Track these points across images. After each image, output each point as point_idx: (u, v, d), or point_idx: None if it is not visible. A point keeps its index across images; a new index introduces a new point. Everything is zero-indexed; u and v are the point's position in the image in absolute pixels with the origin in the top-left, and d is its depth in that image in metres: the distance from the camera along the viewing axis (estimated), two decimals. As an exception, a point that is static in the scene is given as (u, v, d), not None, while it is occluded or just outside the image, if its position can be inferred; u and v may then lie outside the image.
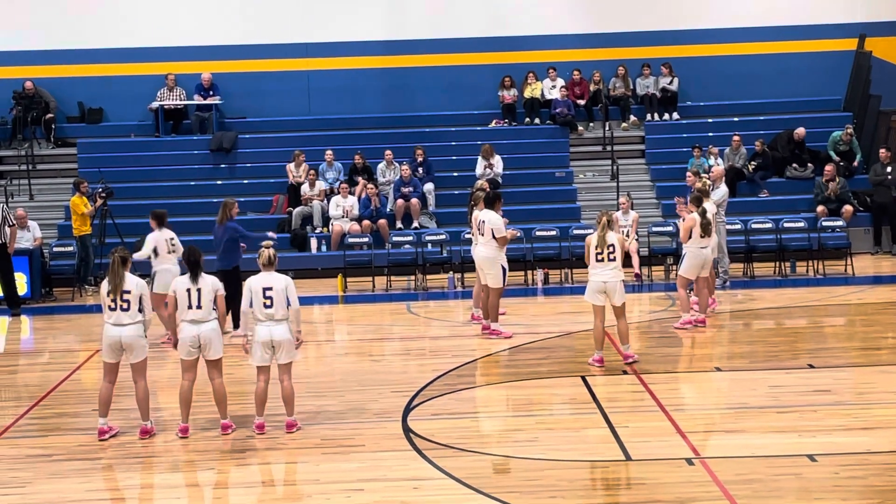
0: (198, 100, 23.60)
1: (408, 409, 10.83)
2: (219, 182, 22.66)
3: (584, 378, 11.89)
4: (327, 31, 24.09)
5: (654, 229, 19.88)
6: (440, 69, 24.22)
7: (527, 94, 23.75)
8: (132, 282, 10.10)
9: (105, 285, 10.12)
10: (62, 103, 23.84)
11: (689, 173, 17.79)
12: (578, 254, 18.52)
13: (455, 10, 24.29)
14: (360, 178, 21.59)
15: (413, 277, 19.29)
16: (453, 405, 11.12)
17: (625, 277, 12.68)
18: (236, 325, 14.23)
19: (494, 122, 23.85)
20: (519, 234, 17.81)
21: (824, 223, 20.03)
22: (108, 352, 10.14)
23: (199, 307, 10.11)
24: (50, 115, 23.32)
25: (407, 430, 10.11)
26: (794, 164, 22.24)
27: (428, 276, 19.19)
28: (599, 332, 12.41)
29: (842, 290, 17.56)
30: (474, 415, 11.12)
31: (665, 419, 10.21)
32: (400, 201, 21.12)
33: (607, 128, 23.34)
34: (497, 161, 21.83)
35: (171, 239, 14.74)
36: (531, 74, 23.76)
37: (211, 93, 23.63)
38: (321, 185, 21.56)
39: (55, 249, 19.90)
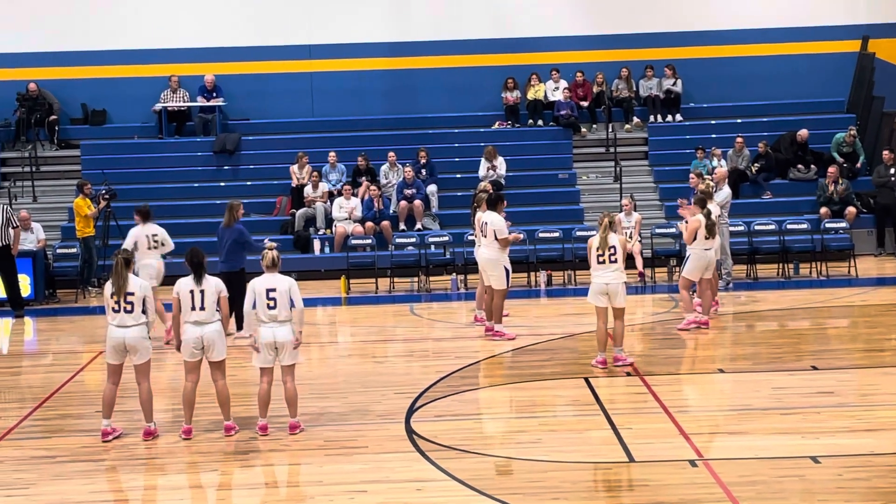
0: (201, 101, 23.63)
1: (411, 411, 10.83)
2: (222, 184, 22.68)
3: (587, 380, 11.88)
4: (330, 32, 24.12)
5: (658, 231, 19.87)
6: (443, 71, 24.24)
7: (530, 95, 23.76)
8: (136, 283, 10.11)
9: (108, 287, 10.12)
10: (66, 105, 23.87)
11: (692, 175, 17.78)
12: (582, 255, 18.57)
13: (458, 12, 24.31)
14: (363, 180, 21.61)
15: (416, 279, 19.29)
16: (456, 407, 11.12)
17: (627, 279, 12.68)
18: (240, 327, 14.27)
19: (497, 123, 23.86)
20: (522, 237, 17.82)
21: (827, 225, 20.02)
22: (111, 353, 10.15)
23: (202, 309, 10.11)
24: (53, 117, 23.34)
25: (410, 432, 10.11)
26: (800, 166, 22.23)
27: (431, 278, 19.19)
28: (602, 334, 12.41)
29: (845, 291, 17.54)
30: (477, 416, 11.12)
31: (668, 421, 10.21)
32: (403, 203, 21.12)
33: (610, 129, 23.35)
34: (500, 163, 21.83)
35: (154, 235, 14.80)
36: (534, 76, 23.78)
37: (214, 94, 23.65)
38: (324, 186, 21.58)
39: (58, 251, 19.92)
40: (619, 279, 12.35)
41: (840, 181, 20.93)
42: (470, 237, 17.90)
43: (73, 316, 17.66)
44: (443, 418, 10.66)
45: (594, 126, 23.78)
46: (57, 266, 19.59)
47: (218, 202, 20.00)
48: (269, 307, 10.12)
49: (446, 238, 20.06)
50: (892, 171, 21.15)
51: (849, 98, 24.07)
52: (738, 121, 23.58)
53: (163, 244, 14.98)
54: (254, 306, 10.17)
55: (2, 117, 23.65)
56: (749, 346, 14.00)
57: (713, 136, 22.98)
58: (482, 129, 23.73)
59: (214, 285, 10.21)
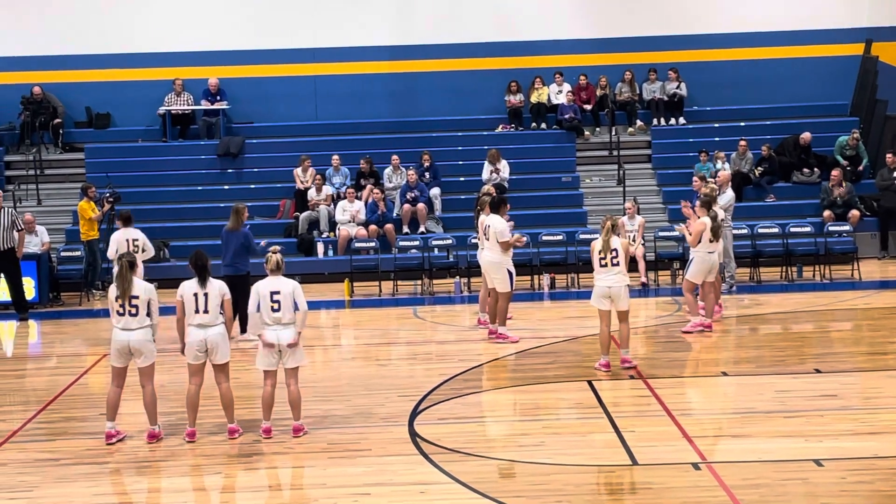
0: (205, 105, 23.67)
1: (414, 414, 10.85)
2: (226, 187, 22.72)
3: (590, 382, 11.89)
4: (334, 35, 24.15)
5: (661, 234, 19.87)
6: (447, 74, 24.27)
7: (533, 98, 23.78)
8: (140, 287, 10.13)
9: (113, 290, 10.14)
10: (70, 108, 23.92)
11: (695, 178, 17.82)
12: (585, 258, 18.54)
13: (462, 16, 24.33)
14: (366, 183, 21.63)
15: (420, 282, 19.30)
16: (460, 409, 11.13)
17: (630, 282, 12.69)
18: (244, 330, 14.31)
19: (501, 126, 23.88)
20: (526, 240, 17.82)
21: (831, 228, 20.01)
22: (115, 356, 10.17)
23: (206, 311, 10.13)
24: (58, 120, 23.38)
25: (413, 435, 10.12)
26: (805, 169, 22.22)
27: (434, 281, 19.21)
28: (606, 337, 12.41)
29: (848, 294, 17.53)
30: (481, 419, 11.13)
31: (672, 424, 10.21)
32: (406, 206, 21.14)
33: (614, 132, 23.36)
34: (503, 166, 21.84)
35: (135, 240, 15.08)
36: (538, 79, 23.80)
37: (218, 98, 23.69)
38: (328, 189, 21.60)
39: (63, 254, 19.94)
40: (621, 282, 12.35)
41: (843, 184, 20.92)
42: (473, 240, 17.90)
43: (77, 319, 17.68)
44: (446, 421, 10.66)
45: (597, 129, 23.79)
46: (61, 269, 19.61)
47: (222, 205, 20.02)
48: (273, 310, 10.13)
49: (450, 241, 20.07)
50: (896, 174, 21.16)
51: (852, 101, 24.07)
52: (742, 124, 23.58)
53: (143, 249, 15.22)
54: (258, 309, 10.18)
55: (6, 120, 23.69)
56: (752, 350, 13.99)
57: (716, 139, 23.00)
58: (485, 133, 23.74)
59: (218, 288, 10.23)
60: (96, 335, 15.70)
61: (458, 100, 24.23)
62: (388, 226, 20.73)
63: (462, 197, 21.59)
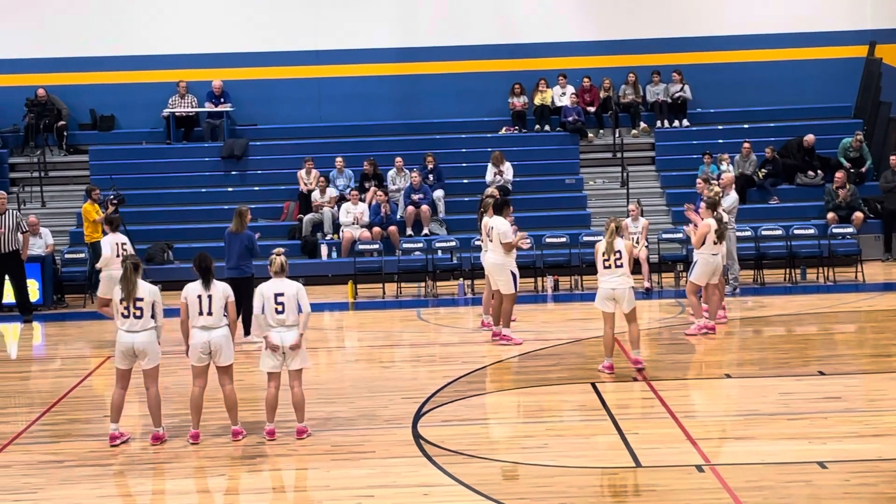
0: (209, 107, 23.69)
1: (418, 416, 10.85)
2: (230, 189, 22.74)
3: (594, 385, 11.89)
4: (338, 38, 24.17)
5: (664, 236, 19.87)
6: (450, 76, 24.27)
7: (537, 101, 23.77)
8: (145, 289, 10.14)
9: (118, 292, 10.15)
10: (74, 110, 23.95)
11: (699, 180, 17.80)
12: (588, 261, 18.54)
13: (465, 18, 24.33)
14: (370, 185, 21.64)
15: (423, 284, 19.31)
16: (463, 411, 11.14)
17: (634, 284, 12.69)
18: (247, 332, 14.32)
19: (504, 129, 23.88)
20: (529, 241, 17.83)
21: (834, 230, 19.99)
22: (120, 358, 10.18)
23: (209, 314, 10.14)
24: (62, 123, 23.42)
25: (417, 437, 10.13)
26: (809, 172, 22.21)
27: (438, 283, 19.22)
28: (609, 339, 12.41)
29: (852, 297, 17.53)
30: (484, 421, 11.13)
31: (675, 426, 10.21)
32: (410, 208, 21.15)
33: (617, 135, 23.36)
34: (507, 168, 21.85)
35: (123, 244, 15.06)
36: (542, 81, 23.79)
37: (222, 100, 23.72)
38: (332, 191, 21.61)
39: (67, 256, 19.97)
40: (625, 284, 12.35)
41: (847, 186, 20.91)
42: (477, 242, 17.91)
43: (81, 321, 17.70)
44: (449, 423, 10.67)
45: (601, 131, 23.79)
46: (65, 271, 19.64)
47: (226, 207, 20.05)
48: (277, 312, 10.14)
49: (453, 243, 20.07)
50: (900, 176, 21.14)
51: (856, 103, 24.05)
52: (745, 126, 23.57)
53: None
54: (262, 311, 10.19)
55: (11, 123, 23.73)
56: (756, 352, 14.00)
57: (720, 141, 22.99)
58: (489, 135, 23.73)
59: (222, 290, 10.23)
60: (100, 337, 15.72)
61: (461, 102, 24.24)
62: (392, 228, 20.74)
63: (466, 199, 21.59)
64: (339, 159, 22.24)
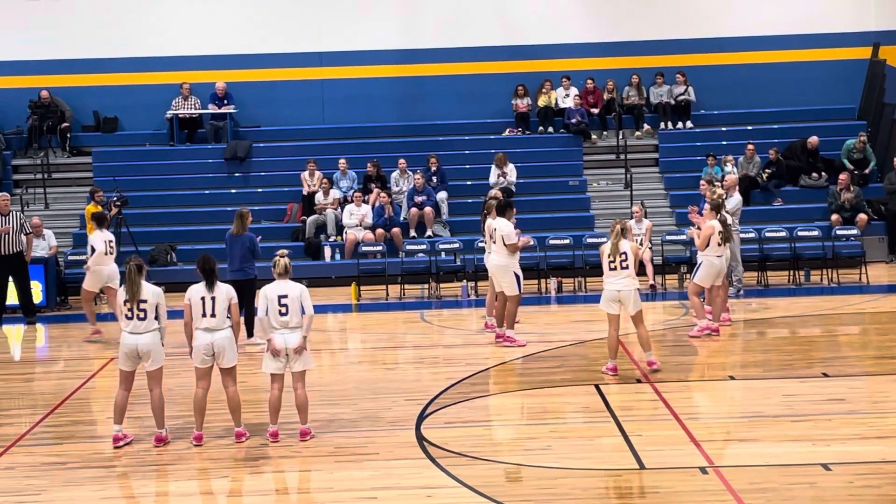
0: (212, 109, 23.71)
1: (421, 418, 10.84)
2: (233, 191, 22.76)
3: (597, 386, 11.88)
4: (341, 39, 24.20)
5: (668, 238, 19.86)
6: (454, 78, 24.29)
7: (540, 102, 23.78)
8: (149, 290, 10.14)
9: (121, 294, 10.15)
10: (77, 112, 23.98)
11: (702, 182, 17.79)
12: (592, 262, 18.61)
13: (469, 19, 24.35)
14: (373, 187, 21.65)
15: (427, 286, 19.31)
16: (467, 413, 11.13)
17: (640, 286, 12.67)
18: (250, 334, 14.32)
19: (508, 130, 23.89)
20: (532, 243, 17.83)
21: (838, 232, 19.98)
22: (124, 360, 10.18)
23: (213, 315, 10.13)
24: (65, 124, 23.45)
25: (420, 439, 10.12)
26: (813, 173, 22.20)
27: (441, 285, 19.22)
28: (613, 341, 12.40)
29: (856, 298, 17.51)
30: (488, 423, 11.12)
31: (679, 428, 10.19)
32: (413, 210, 21.15)
33: (621, 136, 23.37)
34: (510, 169, 21.86)
35: (111, 241, 15.49)
36: (545, 83, 23.80)
37: (225, 102, 23.74)
38: (335, 193, 21.62)
39: (70, 258, 19.98)
40: (630, 286, 12.33)
41: (851, 188, 20.89)
42: (480, 244, 17.93)
43: (84, 323, 17.62)
44: (453, 425, 10.66)
45: (605, 133, 23.80)
46: (68, 273, 19.64)
47: (229, 209, 20.02)
48: (280, 314, 10.14)
49: (457, 245, 20.07)
50: (903, 177, 21.12)
51: (859, 105, 24.04)
52: (749, 128, 23.58)
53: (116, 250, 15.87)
54: (266, 313, 10.19)
55: (14, 124, 23.77)
56: (760, 353, 13.98)
57: (724, 142, 22.99)
58: (492, 136, 23.75)
59: (226, 292, 10.23)
60: (103, 339, 15.71)
61: (465, 104, 24.26)
62: (395, 229, 20.74)
63: (469, 201, 21.61)
64: (342, 161, 22.25)
